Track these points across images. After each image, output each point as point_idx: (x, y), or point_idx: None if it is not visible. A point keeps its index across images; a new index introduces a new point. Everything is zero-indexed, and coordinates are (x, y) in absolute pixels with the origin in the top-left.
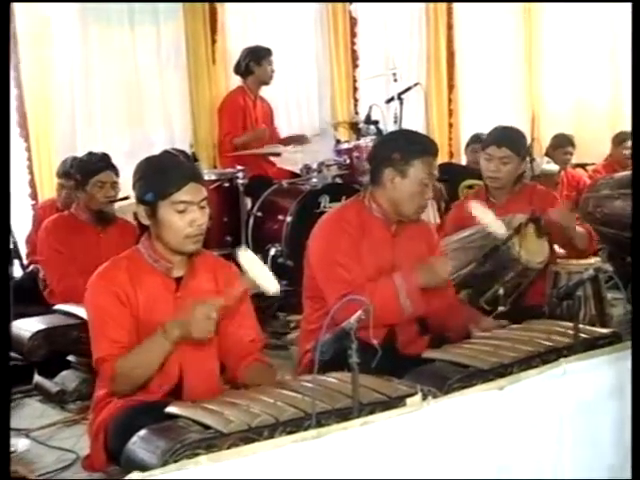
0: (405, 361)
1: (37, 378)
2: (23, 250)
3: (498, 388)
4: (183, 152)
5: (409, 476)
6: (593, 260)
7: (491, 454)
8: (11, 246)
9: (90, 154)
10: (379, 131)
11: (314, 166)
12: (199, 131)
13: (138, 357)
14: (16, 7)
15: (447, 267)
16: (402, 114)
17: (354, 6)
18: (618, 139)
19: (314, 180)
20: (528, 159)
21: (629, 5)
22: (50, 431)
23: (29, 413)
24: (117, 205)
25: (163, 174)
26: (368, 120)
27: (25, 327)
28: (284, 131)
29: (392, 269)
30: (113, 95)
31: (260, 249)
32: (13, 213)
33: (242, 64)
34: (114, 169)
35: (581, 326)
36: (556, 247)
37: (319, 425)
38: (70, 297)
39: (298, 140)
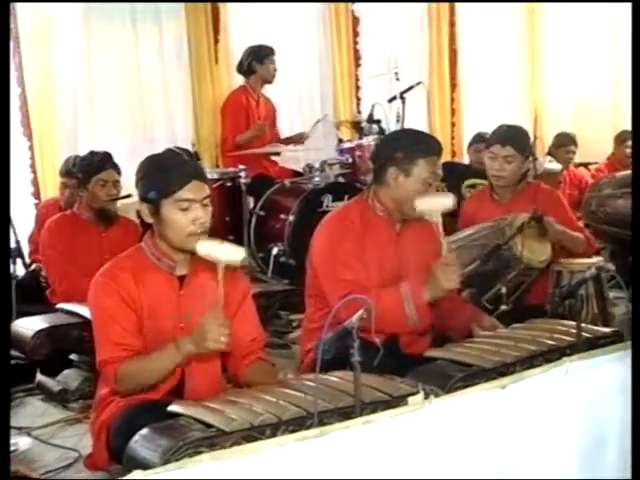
0: (407, 360)
1: (39, 377)
2: (26, 249)
3: (500, 387)
4: (186, 150)
5: (411, 475)
6: (595, 259)
7: (494, 453)
8: (14, 245)
9: (92, 153)
10: (381, 130)
11: (316, 165)
12: (201, 130)
13: (146, 366)
14: (19, 6)
15: (455, 279)
16: (404, 113)
17: (356, 5)
18: (620, 138)
19: (316, 179)
20: (531, 158)
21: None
22: (52, 430)
23: (31, 412)
24: (119, 204)
25: (166, 172)
26: (370, 119)
27: (27, 326)
28: (286, 129)
29: (397, 268)
30: (116, 94)
31: (262, 248)
32: (16, 212)
33: (244, 63)
34: (116, 167)
35: (583, 325)
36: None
37: (321, 424)
38: (72, 296)
39: (297, 139)
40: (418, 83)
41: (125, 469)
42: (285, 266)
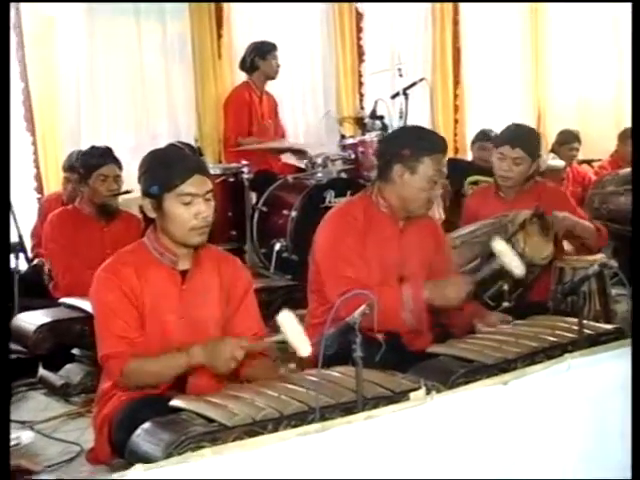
0: (409, 356)
1: (42, 371)
2: (28, 243)
3: (502, 383)
4: (188, 145)
5: (413, 471)
6: (598, 256)
7: (495, 449)
8: (17, 239)
9: (93, 148)
10: (384, 126)
11: (319, 161)
12: (204, 126)
13: (153, 367)
14: (22, 3)
15: (461, 292)
16: (407, 109)
17: None
18: (624, 135)
19: (319, 175)
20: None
21: None
22: (54, 424)
23: (33, 406)
24: (121, 198)
25: (168, 167)
26: (373, 115)
27: (30, 320)
28: (289, 125)
29: (399, 265)
30: (119, 90)
31: (265, 244)
32: (19, 206)
33: (247, 60)
34: (117, 162)
35: (585, 322)
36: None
37: (323, 419)
38: (74, 291)
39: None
40: (421, 79)
41: (127, 463)
42: (287, 262)
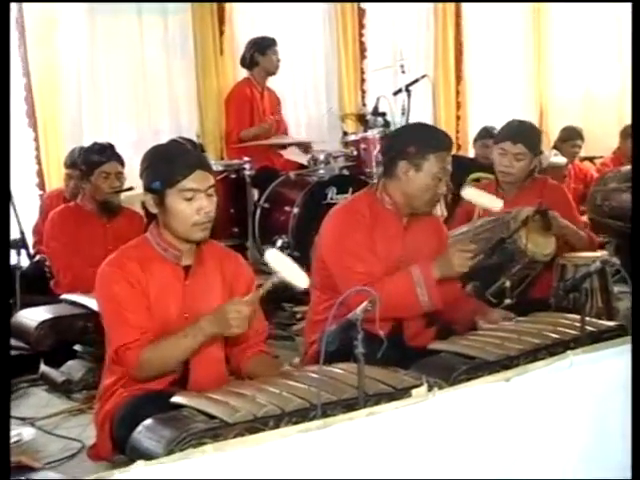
0: (411, 352)
1: (43, 367)
2: (30, 240)
3: (504, 380)
4: (190, 140)
5: (414, 467)
6: (600, 253)
7: (497, 446)
8: (18, 236)
9: (94, 145)
10: (386, 123)
11: (321, 158)
12: (206, 122)
13: (169, 348)
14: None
15: (467, 264)
16: (410, 106)
17: None
18: (626, 132)
19: (321, 172)
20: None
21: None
22: (56, 420)
23: (35, 402)
24: (124, 195)
25: (170, 162)
26: (375, 112)
27: (31, 317)
28: (292, 122)
29: (403, 262)
30: (120, 85)
31: (267, 240)
32: (20, 203)
33: (247, 56)
34: (119, 159)
35: (587, 319)
36: None
37: (325, 416)
38: (76, 287)
39: (301, 146)
40: (423, 76)
41: (128, 460)
42: (289, 258)
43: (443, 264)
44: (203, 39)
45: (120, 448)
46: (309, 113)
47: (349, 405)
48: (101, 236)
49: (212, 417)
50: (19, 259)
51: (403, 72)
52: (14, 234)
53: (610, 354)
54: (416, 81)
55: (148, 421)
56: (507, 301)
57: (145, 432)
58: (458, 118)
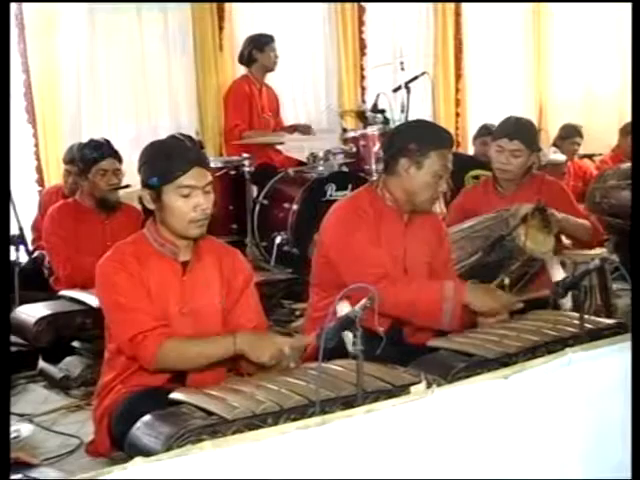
0: (410, 349)
1: (42, 364)
2: (29, 236)
3: (503, 377)
4: (188, 137)
5: (413, 465)
6: (599, 250)
7: (495, 443)
8: (17, 232)
9: (91, 141)
10: (386, 120)
11: (320, 154)
12: (206, 118)
13: (195, 349)
14: None
15: (503, 307)
16: (409, 103)
17: None
18: (625, 130)
19: (320, 168)
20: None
21: None
22: (54, 416)
23: (33, 398)
24: (123, 191)
25: (167, 159)
26: (375, 109)
27: (30, 313)
28: (291, 118)
29: (403, 259)
30: (120, 82)
31: (266, 237)
32: (19, 199)
33: (245, 53)
34: (116, 156)
35: (586, 316)
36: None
37: (323, 412)
38: (75, 282)
39: (303, 130)
40: (423, 73)
41: (127, 456)
42: (288, 255)
43: (477, 295)
44: (203, 35)
45: (118, 444)
46: (308, 110)
47: (347, 402)
48: (100, 232)
49: (211, 414)
50: (18, 255)
51: (403, 69)
52: (13, 230)
53: (609, 352)
54: (416, 78)
55: (146, 417)
56: None
57: (143, 428)
58: (457, 115)
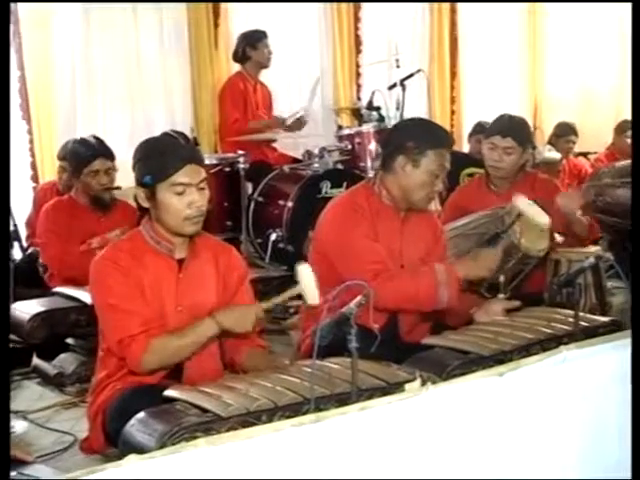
0: (405, 347)
1: (36, 360)
2: (23, 233)
3: (498, 375)
4: (182, 134)
5: (408, 462)
6: (594, 248)
7: (490, 441)
8: (12, 228)
9: (82, 141)
10: (381, 117)
11: (315, 151)
12: (201, 115)
13: (181, 341)
14: None
15: (491, 270)
16: (404, 100)
17: None
18: (620, 128)
19: (315, 165)
20: (530, 149)
21: None
22: (48, 413)
23: (27, 395)
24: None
25: (161, 156)
26: (370, 106)
27: (24, 309)
28: (286, 116)
29: (399, 256)
30: (115, 78)
31: (261, 234)
32: (14, 195)
33: (239, 50)
34: (108, 155)
35: (581, 314)
36: (556, 235)
37: (318, 410)
38: (64, 278)
39: (296, 126)
40: (418, 71)
41: (121, 453)
42: (283, 252)
43: (467, 265)
44: (198, 33)
45: (113, 441)
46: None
47: (342, 399)
48: (95, 229)
49: (205, 411)
50: (12, 252)
51: (398, 66)
52: None
53: (604, 349)
54: (411, 75)
55: (141, 414)
56: (501, 296)
57: (137, 425)
58: (453, 113)
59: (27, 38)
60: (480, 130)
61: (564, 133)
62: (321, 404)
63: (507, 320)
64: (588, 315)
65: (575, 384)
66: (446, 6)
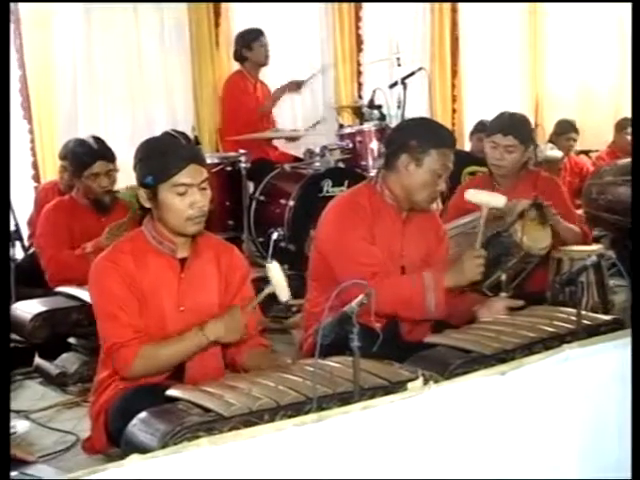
0: (407, 346)
1: (38, 360)
2: (25, 232)
3: (500, 373)
4: (183, 133)
5: (410, 461)
6: (596, 247)
7: (492, 439)
8: (13, 228)
9: (82, 144)
10: (382, 116)
11: (317, 150)
12: (202, 114)
13: (168, 350)
14: None
15: (480, 272)
16: (406, 99)
17: None
18: (620, 126)
19: (317, 164)
20: (532, 146)
21: None
22: (50, 413)
23: (30, 395)
24: (119, 188)
25: (162, 157)
26: (371, 105)
27: (26, 309)
28: (287, 114)
29: (400, 256)
30: (116, 78)
31: (262, 233)
32: (15, 195)
33: (237, 50)
34: (108, 157)
35: (583, 312)
36: None
37: (320, 409)
38: (60, 280)
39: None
40: (419, 69)
41: (123, 453)
42: (285, 251)
43: (455, 273)
44: (199, 32)
45: (115, 441)
46: (305, 105)
47: (344, 399)
48: (96, 230)
49: (207, 410)
50: (14, 251)
51: (399, 65)
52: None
53: (606, 348)
54: (412, 74)
55: (143, 414)
56: (503, 294)
57: (140, 425)
58: (454, 111)
59: (28, 38)
60: (481, 128)
61: (564, 131)
62: (323, 403)
63: (509, 319)
64: (590, 313)
65: (577, 383)
66: (447, 6)
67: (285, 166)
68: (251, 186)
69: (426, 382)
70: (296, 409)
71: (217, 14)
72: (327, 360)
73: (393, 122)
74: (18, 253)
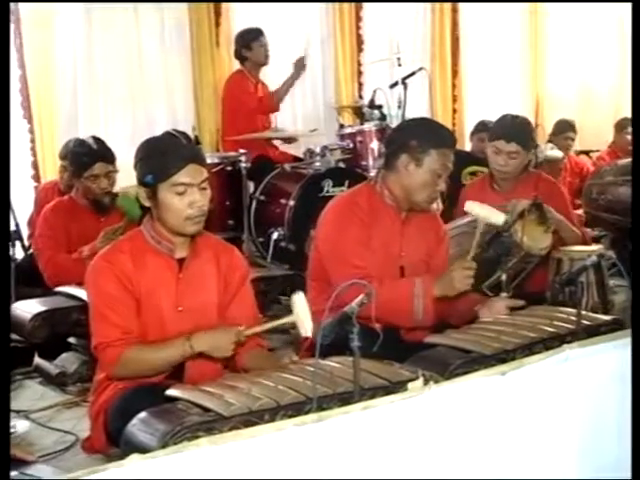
0: (407, 346)
1: (37, 360)
2: (25, 232)
3: (500, 374)
4: (183, 133)
5: (410, 461)
6: (596, 247)
7: (493, 440)
8: (13, 228)
9: (81, 145)
10: (383, 116)
11: (317, 150)
12: (202, 114)
13: (152, 356)
14: None
15: (468, 283)
16: (406, 99)
17: None
18: (620, 126)
19: (317, 164)
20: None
21: None
22: (50, 413)
23: (29, 395)
24: (119, 188)
25: (162, 156)
26: (372, 104)
27: (26, 309)
28: (288, 113)
29: (399, 256)
30: (116, 78)
31: (262, 233)
32: (15, 195)
33: (237, 50)
34: (107, 158)
35: (583, 313)
36: None
37: (320, 409)
38: (57, 281)
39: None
40: (420, 69)
41: (123, 453)
42: (285, 251)
43: (444, 283)
44: (199, 31)
45: (114, 441)
46: (305, 105)
47: (344, 399)
48: (96, 231)
49: (207, 410)
50: (14, 251)
51: (400, 65)
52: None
53: (606, 348)
54: (413, 74)
55: (142, 414)
56: (503, 294)
57: (139, 425)
58: (454, 111)
59: (29, 38)
60: (482, 128)
61: (562, 130)
62: (323, 403)
63: (509, 319)
64: (590, 314)
65: (577, 383)
66: (447, 6)
67: (285, 166)
68: (251, 186)
69: (426, 382)
70: (296, 409)
71: (217, 14)
72: (327, 360)
73: (394, 122)
74: (18, 253)
